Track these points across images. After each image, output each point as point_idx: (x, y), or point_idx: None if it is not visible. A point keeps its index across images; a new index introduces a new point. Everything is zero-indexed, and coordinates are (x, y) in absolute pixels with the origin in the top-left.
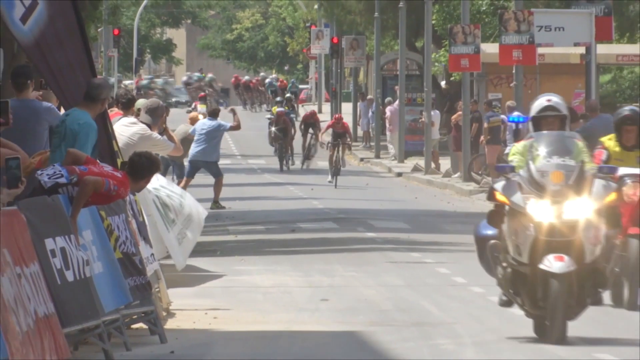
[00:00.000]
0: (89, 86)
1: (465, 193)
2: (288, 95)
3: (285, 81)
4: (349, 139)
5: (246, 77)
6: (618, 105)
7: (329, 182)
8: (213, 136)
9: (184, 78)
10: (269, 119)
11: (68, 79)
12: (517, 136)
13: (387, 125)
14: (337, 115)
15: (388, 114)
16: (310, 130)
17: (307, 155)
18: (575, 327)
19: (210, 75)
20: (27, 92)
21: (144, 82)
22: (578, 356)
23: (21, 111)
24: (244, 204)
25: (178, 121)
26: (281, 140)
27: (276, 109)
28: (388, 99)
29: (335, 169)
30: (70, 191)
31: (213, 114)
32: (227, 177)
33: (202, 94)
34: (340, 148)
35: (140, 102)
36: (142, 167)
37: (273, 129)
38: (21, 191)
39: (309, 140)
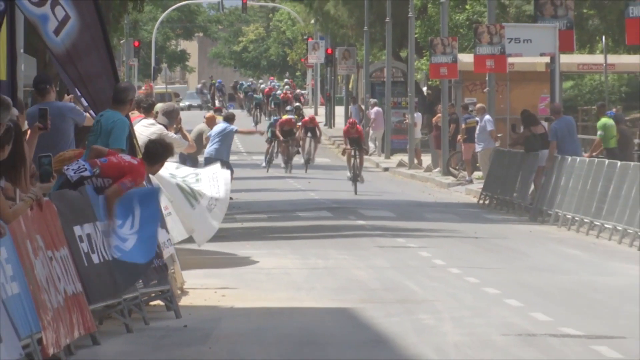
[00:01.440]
0: (116, 90)
1: (444, 186)
2: (297, 104)
3: (290, 94)
4: (364, 145)
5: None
6: (579, 108)
7: (348, 178)
8: (226, 138)
9: (199, 86)
10: (272, 124)
11: (95, 84)
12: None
13: (371, 124)
14: (350, 120)
15: (373, 116)
16: (309, 134)
17: (307, 159)
18: (573, 322)
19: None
20: (49, 95)
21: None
22: (575, 346)
23: None
24: (249, 195)
25: (194, 122)
26: (285, 143)
27: (286, 117)
28: (374, 100)
29: (354, 175)
30: (94, 182)
31: (228, 118)
32: (235, 172)
33: (218, 106)
34: (358, 154)
35: (158, 106)
36: (156, 153)
37: (273, 131)
38: (52, 185)
39: (309, 145)
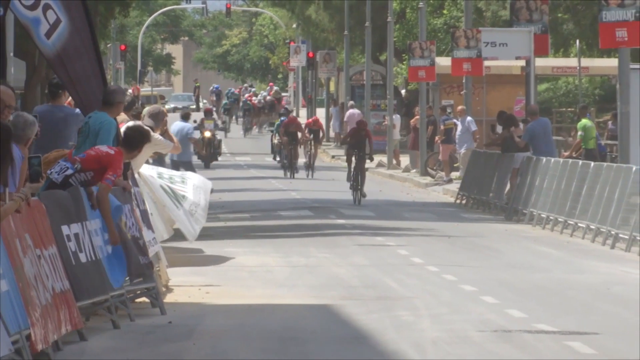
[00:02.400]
0: (105, 92)
1: (422, 185)
2: (287, 106)
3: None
4: (368, 150)
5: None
6: (553, 110)
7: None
8: (185, 138)
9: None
10: (271, 130)
11: (85, 86)
12: None
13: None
14: (360, 120)
15: (346, 119)
16: (311, 135)
17: (309, 164)
18: (547, 319)
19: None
20: (60, 99)
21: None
22: (549, 342)
23: (52, 115)
24: (232, 195)
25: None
26: (291, 146)
27: (277, 121)
28: (351, 102)
29: (354, 183)
30: (78, 177)
31: (185, 116)
32: (218, 172)
33: (208, 107)
34: (356, 159)
35: (145, 109)
36: (134, 138)
37: (276, 140)
38: (42, 185)
39: (311, 149)
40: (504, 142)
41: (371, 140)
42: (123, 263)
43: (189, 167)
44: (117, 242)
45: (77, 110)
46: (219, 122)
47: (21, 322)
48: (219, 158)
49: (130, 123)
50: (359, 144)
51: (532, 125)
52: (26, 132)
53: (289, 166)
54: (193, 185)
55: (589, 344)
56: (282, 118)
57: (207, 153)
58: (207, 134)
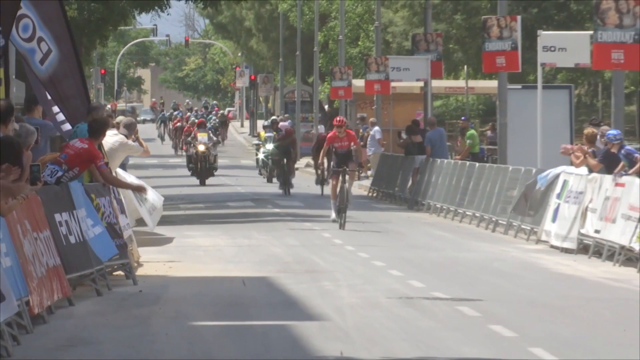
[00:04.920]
0: (89, 108)
1: None
2: (273, 118)
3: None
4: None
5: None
6: (446, 122)
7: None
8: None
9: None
10: (257, 144)
11: (72, 103)
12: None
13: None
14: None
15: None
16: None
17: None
18: (441, 288)
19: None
20: (34, 112)
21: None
22: (443, 307)
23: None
24: (190, 189)
25: (149, 132)
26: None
27: (264, 134)
28: (286, 115)
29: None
30: (68, 175)
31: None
32: (181, 171)
33: (201, 119)
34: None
35: (121, 120)
36: (97, 128)
37: (261, 155)
38: (39, 187)
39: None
40: (406, 147)
41: (295, 145)
42: (104, 244)
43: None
44: (143, 190)
45: (48, 121)
46: (214, 136)
47: (21, 291)
48: (215, 173)
49: (109, 132)
50: (286, 148)
51: (430, 133)
52: (28, 139)
53: (284, 183)
54: (153, 191)
55: (475, 308)
56: (268, 133)
57: (201, 168)
58: (201, 147)
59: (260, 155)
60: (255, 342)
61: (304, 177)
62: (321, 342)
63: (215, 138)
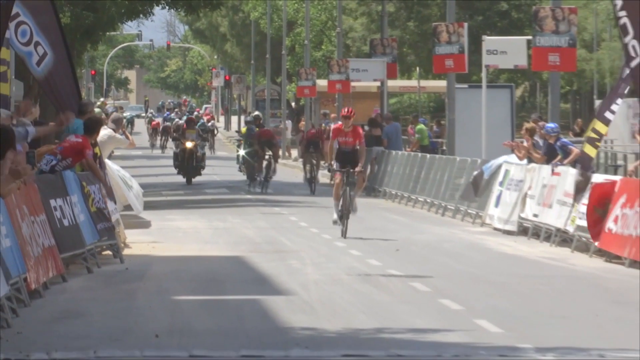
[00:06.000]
0: (80, 105)
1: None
2: (256, 113)
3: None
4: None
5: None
6: (400, 117)
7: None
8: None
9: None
10: (238, 140)
11: (66, 100)
12: None
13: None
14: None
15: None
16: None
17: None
18: (396, 266)
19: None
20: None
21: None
22: (397, 283)
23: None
24: (170, 177)
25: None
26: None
27: (245, 130)
28: (257, 112)
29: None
30: (62, 164)
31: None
32: (161, 161)
33: (190, 117)
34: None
35: (111, 115)
36: (92, 125)
37: (242, 152)
38: (35, 171)
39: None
40: (366, 139)
41: (275, 139)
42: (94, 227)
43: None
44: (107, 185)
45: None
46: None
47: (20, 269)
48: (202, 172)
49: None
50: (267, 143)
51: (387, 128)
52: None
53: (265, 180)
54: (134, 181)
55: (426, 284)
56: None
57: (188, 166)
58: (189, 144)
59: (242, 152)
60: (230, 314)
61: (285, 170)
62: (288, 314)
63: (203, 135)
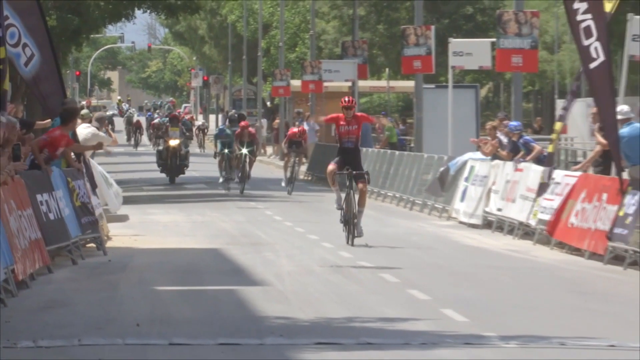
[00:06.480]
0: (63, 103)
1: (281, 167)
2: (241, 112)
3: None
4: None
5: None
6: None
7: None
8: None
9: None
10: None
11: (51, 99)
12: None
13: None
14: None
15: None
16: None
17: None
18: (366, 258)
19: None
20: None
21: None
22: (368, 274)
23: None
24: (150, 173)
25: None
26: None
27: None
28: (234, 111)
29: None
30: (41, 157)
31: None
32: (144, 157)
33: (174, 114)
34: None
35: (95, 114)
36: (67, 116)
37: (224, 150)
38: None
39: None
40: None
41: (255, 138)
42: (78, 221)
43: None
44: (80, 168)
45: None
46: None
47: (8, 261)
48: (186, 171)
49: (84, 125)
50: (246, 143)
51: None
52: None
53: (241, 180)
54: (113, 180)
55: (395, 275)
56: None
57: (172, 165)
58: (172, 142)
59: (224, 150)
60: (208, 304)
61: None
62: (263, 303)
63: (187, 134)
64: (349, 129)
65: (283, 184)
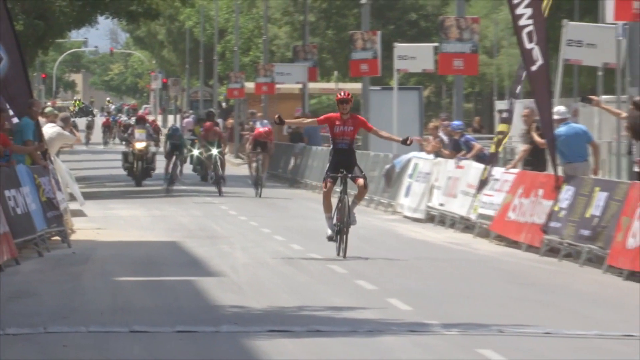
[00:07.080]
0: (28, 103)
1: (235, 165)
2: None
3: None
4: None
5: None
6: None
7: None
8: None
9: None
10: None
11: (19, 100)
12: None
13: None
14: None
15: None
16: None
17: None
18: (317, 251)
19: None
20: None
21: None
22: (317, 265)
23: None
24: (113, 170)
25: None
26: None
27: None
28: (191, 111)
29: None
30: None
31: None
32: (105, 155)
33: (141, 115)
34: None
35: (60, 115)
36: None
37: (196, 151)
38: None
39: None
40: (291, 135)
41: (222, 137)
42: (44, 215)
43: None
44: (45, 166)
45: None
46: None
47: None
48: (152, 174)
49: (49, 124)
50: (216, 143)
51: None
52: None
53: (216, 181)
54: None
55: (343, 267)
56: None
57: (138, 168)
58: (139, 145)
59: (195, 152)
60: (166, 294)
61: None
62: (219, 293)
63: (153, 135)
64: (344, 130)
65: (250, 181)
